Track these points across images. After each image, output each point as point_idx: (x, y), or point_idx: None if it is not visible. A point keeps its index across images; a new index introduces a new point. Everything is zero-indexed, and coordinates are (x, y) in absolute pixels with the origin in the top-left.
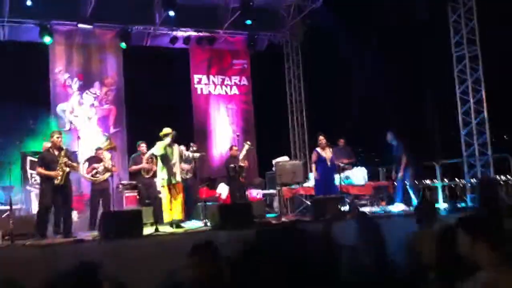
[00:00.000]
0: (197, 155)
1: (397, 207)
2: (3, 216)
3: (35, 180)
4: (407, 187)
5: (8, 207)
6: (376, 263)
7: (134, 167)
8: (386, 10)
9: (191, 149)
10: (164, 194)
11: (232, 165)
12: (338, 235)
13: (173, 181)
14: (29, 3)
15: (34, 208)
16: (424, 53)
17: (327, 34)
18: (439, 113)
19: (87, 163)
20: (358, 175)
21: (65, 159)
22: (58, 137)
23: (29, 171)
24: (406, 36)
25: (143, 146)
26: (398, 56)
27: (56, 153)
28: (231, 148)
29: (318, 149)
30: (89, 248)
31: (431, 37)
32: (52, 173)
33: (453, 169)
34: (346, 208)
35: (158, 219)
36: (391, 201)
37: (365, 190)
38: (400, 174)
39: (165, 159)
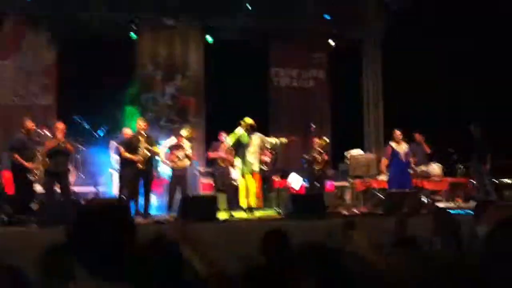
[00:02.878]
0: (284, 140)
1: None
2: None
3: (117, 164)
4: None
5: (93, 190)
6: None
7: (212, 154)
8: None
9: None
10: (241, 182)
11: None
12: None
13: (250, 170)
14: None
15: (115, 190)
16: None
17: (408, 30)
18: None
19: (168, 150)
20: (434, 171)
21: (146, 145)
22: (142, 124)
23: (112, 155)
24: (492, 26)
25: (223, 136)
26: (482, 50)
27: (141, 139)
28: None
29: (392, 143)
30: (168, 229)
31: None
32: (135, 157)
33: None
34: (424, 202)
35: (232, 206)
36: (467, 198)
37: (441, 186)
38: (487, 167)
39: (241, 148)
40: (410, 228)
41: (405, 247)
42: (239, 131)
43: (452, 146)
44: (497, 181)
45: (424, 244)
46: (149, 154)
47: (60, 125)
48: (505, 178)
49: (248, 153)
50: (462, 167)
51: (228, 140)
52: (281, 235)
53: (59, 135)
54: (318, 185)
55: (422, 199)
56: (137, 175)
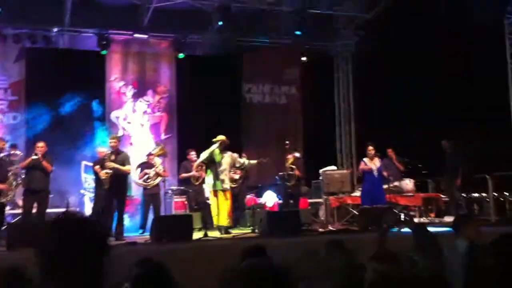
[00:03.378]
0: (253, 162)
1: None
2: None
3: (88, 184)
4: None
5: (64, 210)
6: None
7: (184, 175)
8: (440, 17)
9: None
10: (212, 200)
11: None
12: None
13: (220, 188)
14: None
15: (88, 211)
16: (480, 60)
17: (379, 45)
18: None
19: (139, 169)
20: (407, 186)
21: (111, 163)
22: (112, 141)
23: (83, 175)
24: (461, 42)
25: (192, 154)
26: (452, 65)
27: (110, 157)
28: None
29: (365, 159)
30: (141, 250)
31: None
32: (102, 175)
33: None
34: (402, 218)
35: (207, 225)
36: (440, 213)
37: (414, 201)
38: (458, 182)
39: (213, 165)
40: (389, 243)
41: (385, 262)
42: (212, 148)
43: (423, 161)
44: (467, 196)
45: (404, 260)
46: (109, 172)
47: (40, 144)
48: (475, 192)
49: (219, 171)
50: (432, 182)
51: (201, 155)
52: (260, 250)
53: (37, 152)
54: (292, 202)
55: (399, 214)
56: (110, 195)
